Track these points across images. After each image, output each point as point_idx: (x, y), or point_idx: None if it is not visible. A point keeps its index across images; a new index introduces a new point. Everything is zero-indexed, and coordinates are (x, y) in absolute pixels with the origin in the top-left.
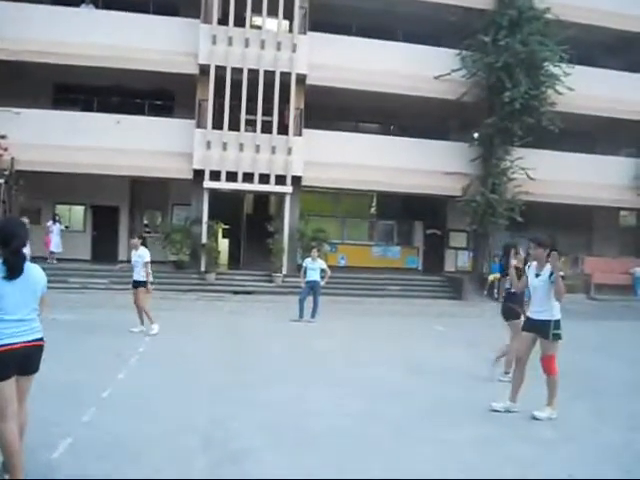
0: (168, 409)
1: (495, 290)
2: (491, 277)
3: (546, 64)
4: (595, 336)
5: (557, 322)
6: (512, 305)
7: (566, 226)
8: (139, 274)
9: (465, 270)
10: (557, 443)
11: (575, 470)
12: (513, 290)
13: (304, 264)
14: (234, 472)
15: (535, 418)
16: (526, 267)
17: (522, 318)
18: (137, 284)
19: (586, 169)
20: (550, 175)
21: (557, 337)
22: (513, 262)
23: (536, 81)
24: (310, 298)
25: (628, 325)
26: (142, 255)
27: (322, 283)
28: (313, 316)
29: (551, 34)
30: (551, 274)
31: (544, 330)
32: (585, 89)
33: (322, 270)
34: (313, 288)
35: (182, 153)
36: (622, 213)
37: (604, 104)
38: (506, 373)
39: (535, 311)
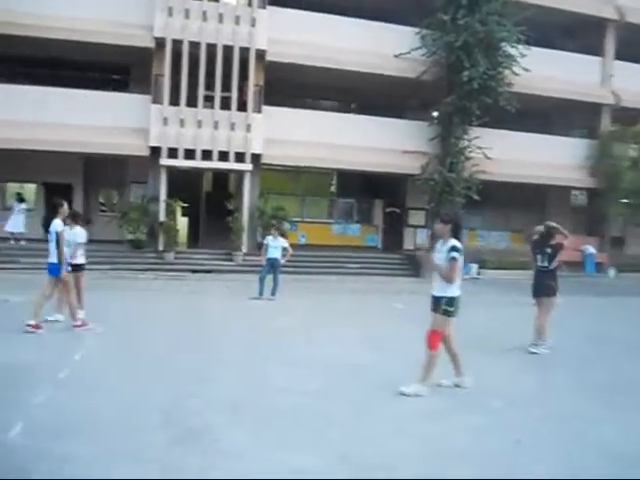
0: (126, 388)
1: None
2: None
3: (503, 44)
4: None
5: (451, 299)
6: (551, 282)
7: (521, 205)
8: (75, 256)
9: (424, 248)
10: (504, 412)
11: (522, 435)
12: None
13: (265, 241)
14: (193, 448)
15: (402, 394)
16: None
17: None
18: (75, 267)
19: (541, 149)
20: (506, 155)
21: (447, 313)
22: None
23: (494, 61)
24: (271, 276)
25: (579, 300)
26: (78, 234)
27: (283, 261)
28: (273, 294)
29: (509, 15)
30: (449, 250)
31: (437, 305)
32: (541, 70)
33: (284, 248)
34: (273, 266)
35: (138, 129)
36: (574, 192)
37: (559, 86)
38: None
39: (433, 287)
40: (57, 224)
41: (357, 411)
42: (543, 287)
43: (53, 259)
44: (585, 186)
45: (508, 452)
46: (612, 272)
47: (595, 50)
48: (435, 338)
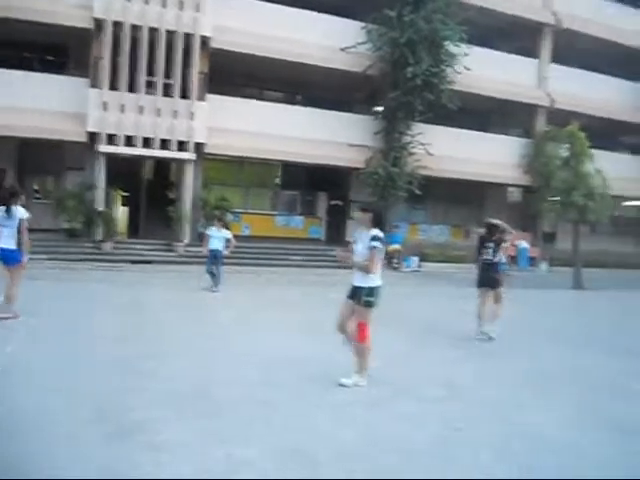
0: (59, 383)
1: (395, 260)
2: (391, 247)
3: (446, 43)
4: None
5: (371, 289)
6: (496, 274)
7: (460, 200)
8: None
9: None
10: (444, 401)
11: (458, 422)
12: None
13: (207, 232)
14: (131, 444)
15: (341, 385)
16: None
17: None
18: None
19: (480, 147)
20: (447, 151)
21: (368, 304)
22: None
23: (437, 59)
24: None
25: (512, 293)
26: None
27: (226, 252)
28: (216, 286)
29: (452, 14)
30: (371, 239)
31: (358, 296)
32: (481, 70)
33: (227, 240)
34: (216, 257)
35: (76, 114)
36: (510, 189)
37: (498, 85)
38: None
39: (354, 277)
40: (22, 210)
41: (299, 401)
42: (488, 279)
43: (10, 245)
44: (520, 183)
45: (444, 438)
46: (544, 266)
47: (532, 53)
48: (362, 330)
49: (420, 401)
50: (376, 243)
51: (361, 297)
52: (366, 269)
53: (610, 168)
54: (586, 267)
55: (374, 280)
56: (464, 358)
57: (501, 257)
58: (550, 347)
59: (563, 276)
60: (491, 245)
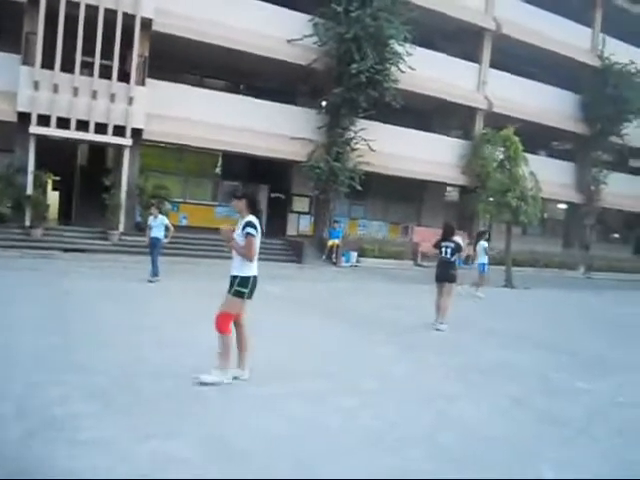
0: None
1: (333, 255)
2: (330, 242)
3: (391, 41)
4: (417, 296)
5: (244, 279)
6: (453, 271)
7: (400, 197)
8: None
9: (306, 234)
10: (380, 393)
11: (392, 416)
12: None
13: (149, 222)
14: (53, 441)
15: (202, 383)
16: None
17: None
18: None
19: (421, 146)
20: (389, 148)
21: (238, 294)
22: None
23: (382, 57)
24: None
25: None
26: None
27: (165, 241)
28: (152, 276)
29: (397, 13)
30: (244, 226)
31: (230, 284)
32: (424, 71)
33: (165, 227)
34: (154, 245)
35: (4, 92)
36: (448, 189)
37: (439, 86)
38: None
39: (232, 266)
40: None
41: (229, 393)
42: (446, 274)
43: None
44: (458, 183)
45: (377, 431)
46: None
47: (473, 57)
48: (223, 320)
49: (356, 394)
50: (250, 229)
51: (233, 286)
52: (243, 255)
53: (542, 172)
54: (517, 266)
55: (249, 269)
56: (399, 352)
57: (456, 257)
58: (482, 342)
59: (495, 274)
60: (450, 245)
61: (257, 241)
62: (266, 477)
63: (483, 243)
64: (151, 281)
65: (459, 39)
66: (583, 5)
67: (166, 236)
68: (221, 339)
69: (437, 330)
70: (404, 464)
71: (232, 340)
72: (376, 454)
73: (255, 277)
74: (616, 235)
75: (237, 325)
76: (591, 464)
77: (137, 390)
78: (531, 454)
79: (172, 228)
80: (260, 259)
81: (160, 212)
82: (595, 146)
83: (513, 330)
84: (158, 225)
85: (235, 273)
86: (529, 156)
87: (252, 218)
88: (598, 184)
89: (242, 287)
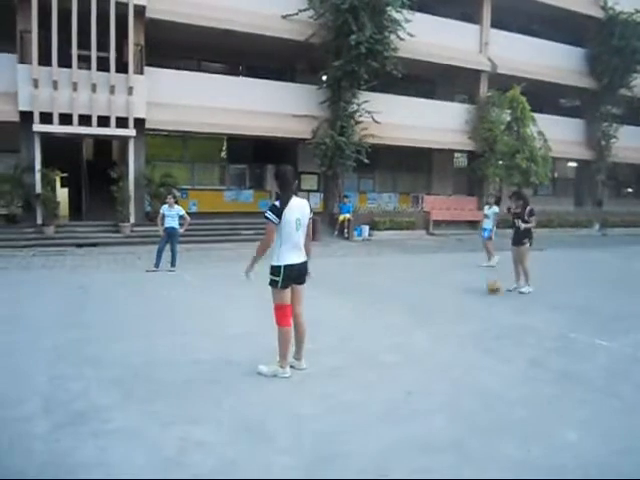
0: (1, 373)
1: (345, 230)
2: (341, 217)
3: (389, 9)
4: (430, 266)
5: (274, 267)
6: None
7: (408, 167)
8: None
9: (317, 211)
10: (397, 366)
11: (412, 387)
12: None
13: (161, 211)
14: (81, 433)
15: (259, 373)
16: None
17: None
18: None
19: (427, 114)
20: (394, 119)
21: (271, 283)
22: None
23: (380, 26)
24: (168, 247)
25: (460, 256)
26: None
27: (181, 230)
28: (173, 265)
29: None
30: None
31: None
32: (424, 36)
33: (180, 216)
34: (170, 235)
35: (4, 93)
36: (456, 155)
37: (441, 51)
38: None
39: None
40: None
41: (251, 377)
42: (515, 239)
43: None
44: (466, 149)
45: (397, 402)
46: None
47: (473, 18)
48: (276, 312)
49: (374, 368)
50: (267, 213)
51: (269, 276)
52: (261, 242)
53: (550, 131)
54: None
55: (280, 258)
56: (416, 324)
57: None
58: (498, 308)
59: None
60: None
61: (284, 224)
62: (289, 456)
63: (494, 208)
64: (171, 270)
65: (458, 1)
66: None
67: (181, 225)
68: (277, 332)
69: (520, 293)
70: (427, 431)
71: (289, 333)
72: (398, 424)
73: (290, 266)
74: (629, 190)
75: (293, 315)
76: (613, 423)
77: (156, 378)
78: (552, 414)
79: (188, 218)
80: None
81: (176, 202)
82: (604, 100)
83: (529, 293)
84: (173, 215)
85: (270, 263)
86: (537, 115)
87: (277, 201)
88: (608, 139)
89: (274, 275)
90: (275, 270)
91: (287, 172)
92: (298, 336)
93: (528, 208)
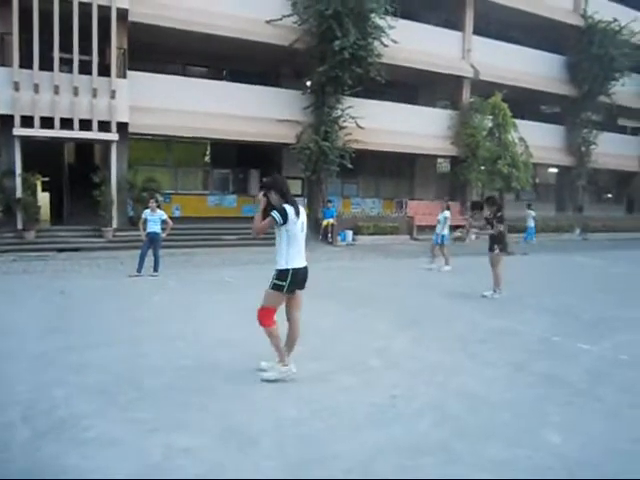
0: None
1: (329, 234)
2: (325, 222)
3: (373, 15)
4: (414, 271)
5: (281, 271)
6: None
7: (392, 172)
8: None
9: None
10: (382, 370)
11: (397, 391)
12: None
13: (143, 215)
14: (60, 441)
15: (263, 380)
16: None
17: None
18: None
19: (410, 119)
20: (377, 124)
21: (275, 287)
22: (486, 213)
23: (363, 32)
24: (151, 252)
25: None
26: None
27: (163, 235)
28: (156, 270)
29: None
30: (272, 209)
31: (272, 277)
32: (407, 43)
33: (163, 221)
34: (153, 240)
35: None
36: (439, 160)
37: (424, 58)
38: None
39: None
40: None
41: (236, 383)
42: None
43: None
44: (449, 154)
45: (382, 406)
46: (473, 236)
47: (455, 25)
48: (262, 314)
49: (356, 373)
50: (273, 212)
51: (272, 278)
52: (253, 229)
53: (531, 137)
54: (512, 232)
55: (288, 262)
56: (397, 328)
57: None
58: (480, 311)
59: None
60: (491, 220)
61: (291, 227)
62: (274, 460)
63: (446, 212)
64: (154, 275)
65: (440, 7)
66: None
67: (164, 229)
68: (266, 333)
69: (483, 296)
70: (412, 434)
71: (277, 331)
72: (383, 427)
73: (296, 270)
74: (609, 195)
75: (291, 320)
76: (596, 425)
77: (139, 385)
78: (536, 417)
79: (171, 223)
80: (257, 244)
81: (158, 206)
82: (584, 107)
83: (511, 297)
84: (155, 220)
85: (275, 267)
86: (518, 122)
87: (287, 206)
88: (588, 145)
89: (280, 280)
90: (283, 274)
91: (282, 179)
92: (290, 341)
93: (498, 214)
